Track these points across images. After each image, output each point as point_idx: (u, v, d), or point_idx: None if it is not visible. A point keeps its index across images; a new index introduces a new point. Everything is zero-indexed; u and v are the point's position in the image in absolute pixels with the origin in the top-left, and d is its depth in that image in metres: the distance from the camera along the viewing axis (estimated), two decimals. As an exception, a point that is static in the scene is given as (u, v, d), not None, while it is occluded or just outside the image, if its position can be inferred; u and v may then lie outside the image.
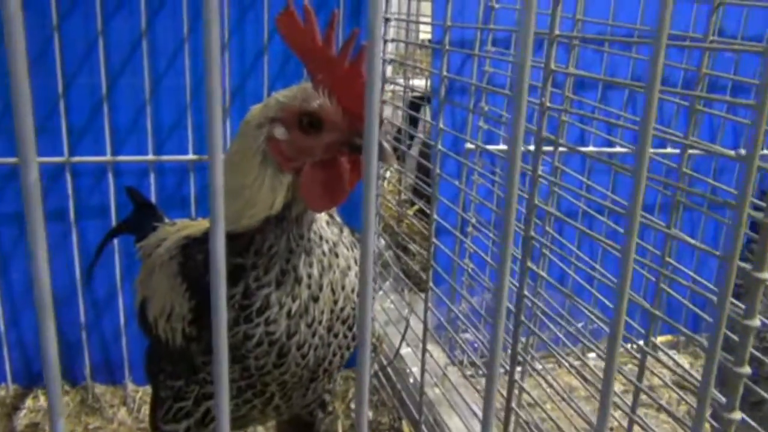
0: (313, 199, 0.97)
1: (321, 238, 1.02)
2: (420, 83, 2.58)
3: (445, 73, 1.59)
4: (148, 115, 1.88)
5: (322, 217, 1.04)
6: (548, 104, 1.19)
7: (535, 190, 1.23)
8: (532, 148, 1.22)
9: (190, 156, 1.93)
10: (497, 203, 1.96)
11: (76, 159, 1.87)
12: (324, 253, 1.02)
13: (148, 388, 1.66)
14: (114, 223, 1.89)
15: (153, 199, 1.91)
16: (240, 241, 1.00)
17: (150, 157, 1.90)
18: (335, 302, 1.03)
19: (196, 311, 1.05)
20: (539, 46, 1.70)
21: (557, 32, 1.15)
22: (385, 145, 0.89)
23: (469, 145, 2.02)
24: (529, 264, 1.26)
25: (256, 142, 0.97)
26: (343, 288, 1.04)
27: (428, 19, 2.12)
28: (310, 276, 1.00)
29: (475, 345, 2.05)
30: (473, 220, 1.90)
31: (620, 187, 2.13)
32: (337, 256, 1.03)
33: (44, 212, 1.51)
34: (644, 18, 2.00)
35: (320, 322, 1.02)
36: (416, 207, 2.62)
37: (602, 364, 0.49)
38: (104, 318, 2.05)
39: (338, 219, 1.09)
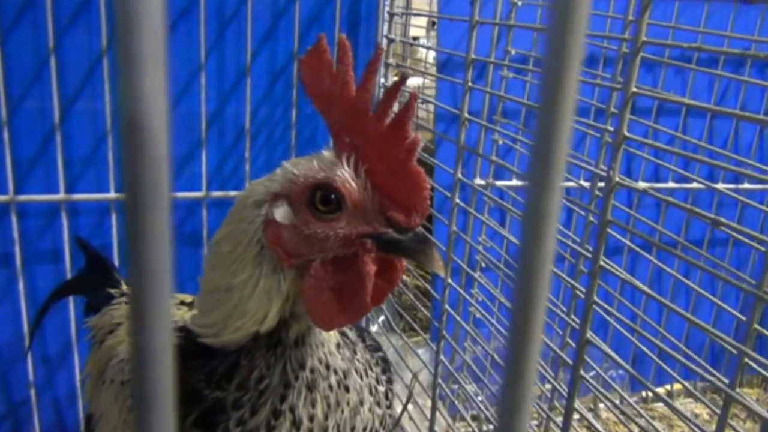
0: (321, 312, 0.76)
1: (328, 367, 0.81)
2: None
3: (454, 108, 1.37)
4: (110, 147, 1.62)
5: (331, 339, 0.83)
6: (627, 133, 0.96)
7: (602, 246, 1.00)
8: (571, 183, 1.01)
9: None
10: (507, 246, 1.78)
11: (23, 197, 1.60)
12: (331, 387, 0.81)
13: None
14: (68, 268, 1.64)
15: (115, 244, 1.66)
16: (220, 363, 0.77)
17: (111, 194, 1.64)
18: None
19: None
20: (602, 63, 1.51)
21: (644, 38, 0.91)
22: (434, 252, 0.71)
23: (478, 181, 1.82)
24: (590, 336, 1.04)
25: (251, 227, 0.78)
26: (353, 431, 0.81)
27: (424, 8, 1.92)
28: (312, 418, 0.79)
29: (479, 398, 1.89)
30: (478, 270, 1.72)
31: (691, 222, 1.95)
32: (347, 390, 0.81)
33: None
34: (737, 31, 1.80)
35: None
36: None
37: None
38: (58, 375, 1.80)
39: (351, 335, 0.86)
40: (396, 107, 0.77)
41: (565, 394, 1.08)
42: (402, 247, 0.73)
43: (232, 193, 1.77)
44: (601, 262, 0.98)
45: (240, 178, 1.78)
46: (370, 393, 0.85)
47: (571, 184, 1.63)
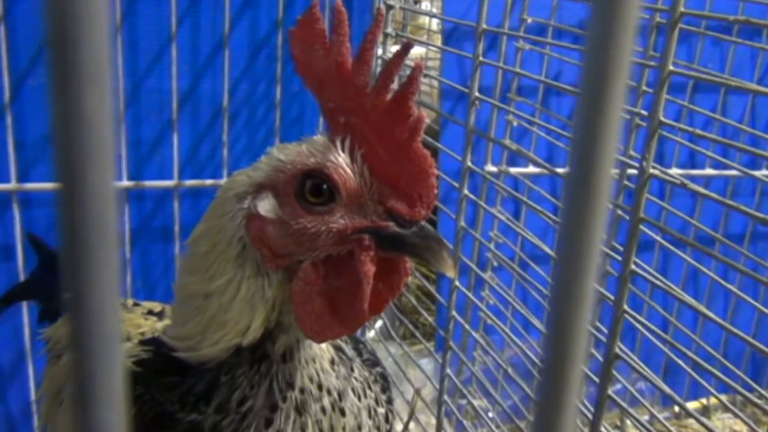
0: (312, 321, 0.76)
1: (321, 387, 0.81)
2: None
3: (474, 93, 1.36)
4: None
5: (324, 354, 0.82)
6: (662, 118, 0.95)
7: (633, 247, 1.00)
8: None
9: (125, 182, 1.67)
10: (521, 243, 1.77)
11: (-32, 187, 1.59)
12: (324, 410, 0.80)
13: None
14: (21, 267, 1.62)
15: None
16: (196, 381, 0.77)
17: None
18: None
19: None
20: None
21: (682, 9, 0.89)
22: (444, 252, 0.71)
23: (489, 168, 1.81)
24: (620, 350, 1.04)
25: (232, 224, 0.77)
26: None
27: None
28: None
29: (489, 414, 1.90)
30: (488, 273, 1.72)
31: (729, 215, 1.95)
32: (343, 413, 0.82)
33: None
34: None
35: None
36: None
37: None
38: (9, 389, 1.79)
39: (348, 349, 0.85)
40: (396, 83, 0.76)
41: (590, 415, 1.07)
42: (405, 243, 0.73)
43: (208, 181, 1.76)
44: (633, 266, 0.97)
45: (217, 164, 1.77)
46: (369, 416, 0.85)
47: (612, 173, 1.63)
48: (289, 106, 1.81)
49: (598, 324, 1.44)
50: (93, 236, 0.25)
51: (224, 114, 1.73)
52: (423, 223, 0.73)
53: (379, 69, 1.64)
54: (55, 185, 0.26)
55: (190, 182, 1.74)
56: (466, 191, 1.44)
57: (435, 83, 2.19)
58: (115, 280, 0.26)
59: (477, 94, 1.39)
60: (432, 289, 1.82)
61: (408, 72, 0.75)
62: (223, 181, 1.72)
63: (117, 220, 0.26)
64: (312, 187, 0.75)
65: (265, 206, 0.76)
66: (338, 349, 0.86)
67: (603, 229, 0.28)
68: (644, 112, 0.98)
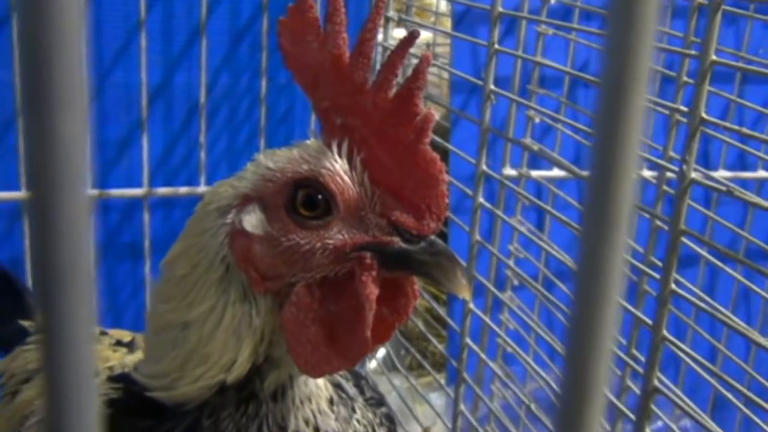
0: (307, 353, 0.77)
1: (318, 431, 0.81)
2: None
3: (490, 88, 1.38)
4: (22, 131, 1.63)
5: (321, 392, 0.83)
6: (705, 115, 0.97)
7: (673, 264, 1.01)
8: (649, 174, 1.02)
9: (89, 191, 1.68)
10: (546, 258, 1.79)
11: None
12: None
13: None
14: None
15: (29, 258, 1.67)
16: (174, 425, 0.79)
17: (23, 193, 1.65)
18: None
19: None
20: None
21: None
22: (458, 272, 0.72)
23: (508, 172, 1.83)
24: (660, 383, 1.05)
25: (214, 242, 0.79)
26: None
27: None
28: None
29: None
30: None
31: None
32: None
33: None
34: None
35: None
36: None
37: None
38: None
39: (348, 387, 0.87)
40: (400, 76, 0.78)
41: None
42: (412, 260, 0.74)
43: (183, 189, 1.78)
44: (673, 285, 0.99)
45: (192, 169, 1.79)
46: None
47: (635, 175, 1.64)
48: (276, 101, 1.84)
49: (635, 352, 1.46)
50: (66, 256, 0.27)
51: (201, 111, 1.75)
52: (432, 237, 0.75)
53: (380, 60, 1.66)
54: (25, 199, 0.28)
55: (162, 190, 1.76)
56: (481, 199, 1.46)
57: (444, 74, 2.22)
58: (91, 306, 0.28)
59: (492, 86, 1.42)
60: (442, 312, 1.84)
61: (414, 63, 0.77)
62: (200, 189, 1.75)
63: (90, 239, 0.28)
64: (305, 199, 0.76)
65: (252, 221, 0.77)
66: (337, 386, 0.87)
67: (624, 241, 0.29)
68: (684, 108, 1.00)
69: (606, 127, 0.29)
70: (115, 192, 1.73)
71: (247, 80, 1.80)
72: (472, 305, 1.52)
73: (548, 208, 1.46)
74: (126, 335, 1.06)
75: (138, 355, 0.95)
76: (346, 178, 0.76)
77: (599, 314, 0.30)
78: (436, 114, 0.80)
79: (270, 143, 1.76)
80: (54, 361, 0.28)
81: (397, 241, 0.75)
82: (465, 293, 0.74)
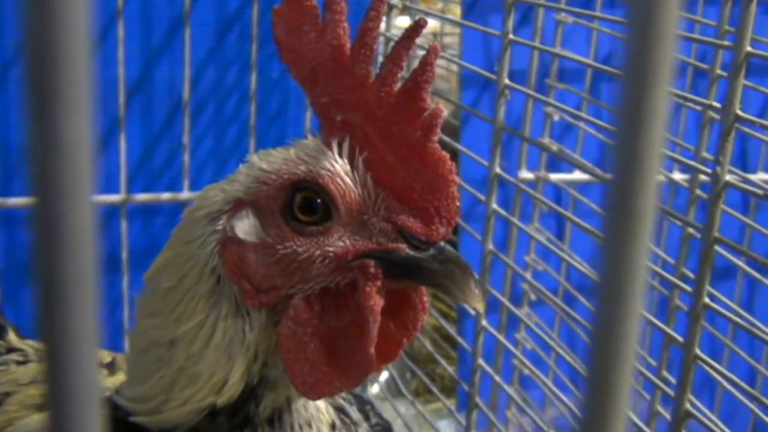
0: (306, 373, 0.78)
1: None
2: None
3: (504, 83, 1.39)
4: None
5: (322, 416, 0.85)
6: (740, 112, 0.98)
7: (706, 275, 1.03)
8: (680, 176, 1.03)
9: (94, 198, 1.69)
10: (566, 270, 1.81)
11: None
12: None
13: None
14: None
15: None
16: None
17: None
18: None
19: None
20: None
21: None
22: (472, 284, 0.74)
23: (524, 175, 1.84)
24: (693, 407, 1.07)
25: (203, 251, 0.80)
26: None
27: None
28: None
29: None
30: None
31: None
32: None
33: None
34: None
35: None
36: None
37: None
38: None
39: (353, 412, 0.89)
40: (406, 69, 0.80)
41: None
42: (421, 269, 0.76)
43: (164, 195, 1.80)
44: (706, 299, 1.00)
45: (175, 173, 1.81)
46: None
47: (660, 177, 1.65)
48: (268, 97, 1.85)
49: (665, 374, 1.47)
50: (69, 265, 0.29)
51: (185, 109, 1.76)
52: (442, 244, 0.76)
53: (382, 52, 1.68)
54: (30, 207, 0.29)
55: (141, 196, 1.78)
56: (494, 205, 1.47)
57: (453, 67, 2.23)
58: (94, 320, 0.29)
59: (507, 81, 1.43)
60: (452, 330, 1.85)
61: (419, 56, 0.78)
62: (183, 195, 1.77)
63: (98, 251, 0.29)
64: (303, 202, 0.78)
65: (245, 227, 0.79)
66: (340, 410, 0.89)
67: (647, 247, 0.30)
68: (717, 104, 1.02)
69: (627, 122, 0.30)
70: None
71: (235, 74, 1.82)
72: (485, 323, 1.53)
73: (569, 214, 1.47)
74: (106, 356, 1.07)
75: (119, 377, 0.96)
76: (348, 180, 0.77)
77: (621, 327, 0.31)
78: (445, 110, 0.81)
79: (261, 144, 1.77)
80: (56, 375, 0.29)
81: (404, 248, 0.76)
82: (479, 304, 0.75)
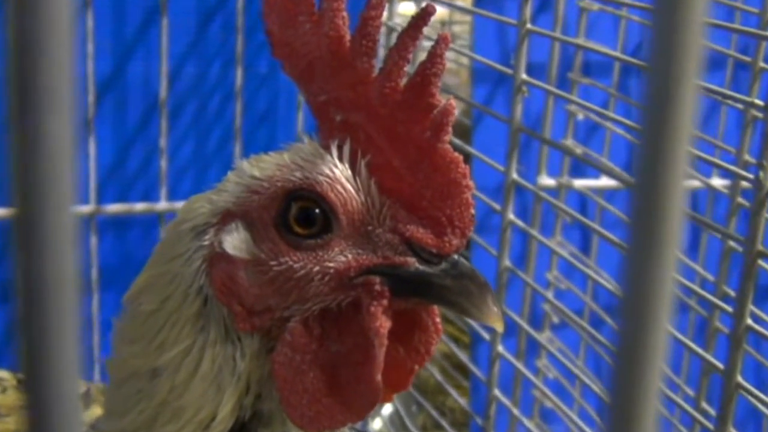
0: (304, 405, 0.79)
1: None
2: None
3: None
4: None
5: None
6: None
7: (749, 294, 1.04)
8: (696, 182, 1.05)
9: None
10: (592, 289, 1.82)
11: None
12: None
13: None
14: None
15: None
16: None
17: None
18: None
19: None
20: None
21: None
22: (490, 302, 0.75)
23: (544, 181, 1.86)
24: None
25: (188, 270, 0.82)
26: None
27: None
28: None
29: None
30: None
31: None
32: None
33: None
34: None
35: None
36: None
37: None
38: None
39: None
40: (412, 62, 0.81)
41: None
42: (432, 286, 0.77)
43: (139, 206, 1.81)
44: (749, 321, 1.02)
45: (150, 181, 1.82)
46: None
47: (697, 183, 1.66)
48: (255, 95, 1.86)
49: (704, 405, 1.49)
50: (50, 276, 0.31)
51: (162, 109, 1.78)
52: (455, 257, 0.78)
53: (384, 44, 1.69)
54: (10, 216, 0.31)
55: (113, 207, 1.79)
56: (511, 215, 1.48)
57: (464, 60, 2.25)
58: (75, 331, 0.32)
59: (524, 75, 1.44)
60: (464, 357, 1.85)
61: (427, 48, 0.79)
62: (160, 205, 1.78)
63: (77, 260, 0.31)
64: (299, 213, 0.79)
65: (235, 242, 0.80)
66: None
67: (673, 260, 0.31)
68: (760, 102, 1.03)
69: (650, 118, 0.31)
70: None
71: (218, 69, 1.83)
72: (500, 348, 1.53)
73: (595, 225, 1.48)
74: (82, 385, 1.09)
75: (95, 410, 0.98)
76: (349, 187, 0.79)
77: (646, 346, 0.32)
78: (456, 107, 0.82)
79: (247, 147, 1.78)
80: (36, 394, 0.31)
81: (413, 263, 0.77)
82: (498, 324, 0.77)
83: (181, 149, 1.84)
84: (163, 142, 1.78)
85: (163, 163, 1.79)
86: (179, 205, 1.73)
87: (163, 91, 1.77)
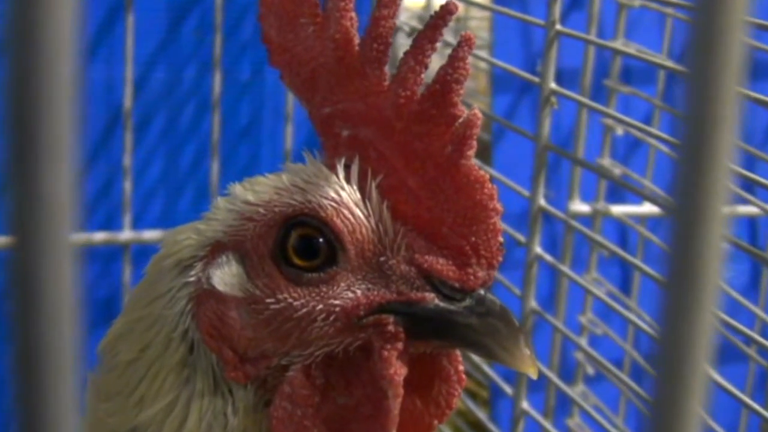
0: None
1: None
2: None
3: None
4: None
5: None
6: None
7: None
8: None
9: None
10: (633, 335, 1.83)
11: None
12: None
13: None
14: None
15: None
16: None
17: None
18: None
19: None
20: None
21: None
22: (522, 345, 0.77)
23: (577, 207, 1.88)
24: None
25: (171, 312, 0.84)
26: None
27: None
28: None
29: None
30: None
31: None
32: None
33: None
34: None
35: None
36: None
37: None
38: None
39: None
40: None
41: None
42: (455, 325, 0.79)
43: (99, 236, 1.83)
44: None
45: (113, 205, 1.84)
46: None
47: (755, 210, 1.68)
48: (236, 105, 1.89)
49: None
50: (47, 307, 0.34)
51: (126, 121, 1.79)
52: (482, 292, 0.79)
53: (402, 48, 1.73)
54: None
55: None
56: (538, 249, 1.50)
57: (482, 65, 2.26)
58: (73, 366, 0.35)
59: (553, 84, 1.46)
60: (482, 416, 1.86)
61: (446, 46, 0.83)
62: (123, 235, 1.79)
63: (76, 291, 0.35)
64: (300, 242, 0.81)
65: (225, 277, 0.83)
66: None
67: (713, 291, 0.32)
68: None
69: (688, 131, 0.32)
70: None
71: (193, 76, 1.86)
72: (525, 405, 1.53)
73: (636, 261, 1.48)
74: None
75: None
76: (358, 212, 0.81)
77: (682, 397, 0.33)
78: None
79: (227, 166, 1.77)
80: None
81: (432, 299, 0.80)
82: (531, 369, 0.78)
83: (148, 169, 1.86)
84: (127, 160, 1.79)
85: (128, 186, 1.80)
86: (146, 234, 1.77)
87: (127, 101, 1.78)
